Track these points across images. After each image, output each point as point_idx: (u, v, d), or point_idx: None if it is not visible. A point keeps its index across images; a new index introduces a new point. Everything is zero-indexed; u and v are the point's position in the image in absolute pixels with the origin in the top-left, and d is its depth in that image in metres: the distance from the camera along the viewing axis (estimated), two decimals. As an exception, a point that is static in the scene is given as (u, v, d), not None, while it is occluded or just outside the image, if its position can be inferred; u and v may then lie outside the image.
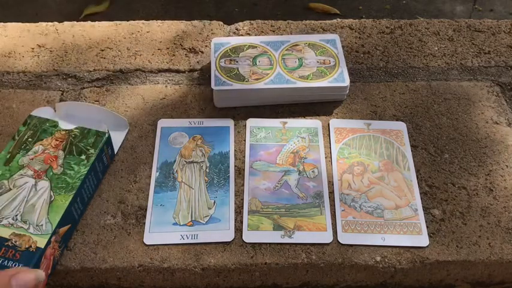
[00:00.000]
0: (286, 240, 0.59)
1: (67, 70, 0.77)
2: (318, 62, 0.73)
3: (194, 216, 0.61)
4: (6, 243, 0.53)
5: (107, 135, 0.63)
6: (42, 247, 0.53)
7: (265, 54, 0.74)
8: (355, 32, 0.83)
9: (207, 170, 0.65)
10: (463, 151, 0.68)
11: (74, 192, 0.58)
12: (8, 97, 0.73)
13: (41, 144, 0.62)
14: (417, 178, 0.65)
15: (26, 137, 0.62)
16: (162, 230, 0.60)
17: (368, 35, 0.83)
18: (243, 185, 0.64)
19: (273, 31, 0.82)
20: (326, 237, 0.59)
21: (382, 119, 0.71)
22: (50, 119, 0.65)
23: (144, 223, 0.61)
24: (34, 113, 0.66)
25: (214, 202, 0.62)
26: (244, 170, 0.66)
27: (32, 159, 0.60)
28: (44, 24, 0.83)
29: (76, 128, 0.64)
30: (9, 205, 0.56)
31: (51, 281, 0.58)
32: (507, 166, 0.67)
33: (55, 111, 0.67)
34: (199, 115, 0.72)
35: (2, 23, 0.83)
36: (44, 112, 0.66)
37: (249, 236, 0.59)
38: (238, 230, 0.60)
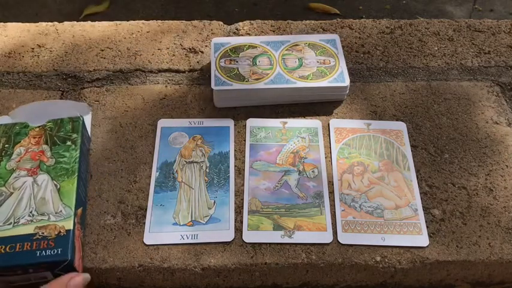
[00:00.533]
0: (286, 240, 0.59)
1: (67, 70, 0.77)
2: (318, 62, 0.73)
3: (194, 216, 0.61)
4: (35, 238, 0.54)
5: (82, 119, 0.65)
6: (71, 228, 0.55)
7: (265, 54, 0.74)
8: (355, 32, 0.83)
9: (207, 170, 0.65)
10: (463, 151, 0.68)
11: (77, 174, 0.60)
12: (8, 97, 0.73)
13: (20, 146, 0.62)
14: (417, 178, 0.65)
15: (1, 145, 0.63)
16: (162, 230, 0.60)
17: (368, 35, 0.83)
18: (243, 185, 0.64)
19: (273, 31, 0.82)
20: (326, 237, 0.59)
21: (382, 119, 0.71)
22: (18, 122, 0.65)
23: (144, 223, 0.61)
24: None
25: (214, 202, 0.62)
26: (244, 170, 0.66)
27: (19, 161, 0.61)
28: (44, 24, 0.83)
29: (48, 122, 0.65)
30: (18, 206, 0.57)
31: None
32: (507, 166, 0.67)
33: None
34: (199, 115, 0.72)
35: (2, 23, 0.83)
36: (2, 121, 0.66)
37: (249, 236, 0.59)
38: (238, 230, 0.60)
